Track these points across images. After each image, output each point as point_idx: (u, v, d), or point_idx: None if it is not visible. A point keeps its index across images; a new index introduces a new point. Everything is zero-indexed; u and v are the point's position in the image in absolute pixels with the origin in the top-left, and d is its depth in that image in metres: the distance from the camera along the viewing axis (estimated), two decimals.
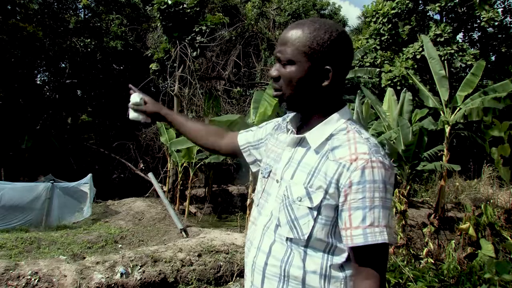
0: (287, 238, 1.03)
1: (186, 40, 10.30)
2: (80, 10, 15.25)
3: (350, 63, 1.09)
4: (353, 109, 8.94)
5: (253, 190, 7.66)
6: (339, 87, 1.08)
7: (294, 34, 1.04)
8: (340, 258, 1.02)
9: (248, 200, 7.72)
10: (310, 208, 1.00)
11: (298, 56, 1.02)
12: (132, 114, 1.48)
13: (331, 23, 1.07)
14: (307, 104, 1.08)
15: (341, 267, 1.02)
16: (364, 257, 0.98)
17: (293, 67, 1.03)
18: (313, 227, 1.00)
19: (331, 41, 1.02)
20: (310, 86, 1.05)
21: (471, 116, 7.83)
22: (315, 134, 1.05)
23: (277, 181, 1.10)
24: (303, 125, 1.13)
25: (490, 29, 15.19)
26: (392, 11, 14.37)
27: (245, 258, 1.16)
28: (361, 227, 0.95)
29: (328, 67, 1.03)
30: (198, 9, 10.30)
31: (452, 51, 13.35)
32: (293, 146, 1.10)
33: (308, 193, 1.00)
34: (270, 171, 1.15)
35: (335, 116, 1.06)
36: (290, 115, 1.18)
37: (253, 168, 1.36)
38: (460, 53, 13.55)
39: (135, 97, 1.46)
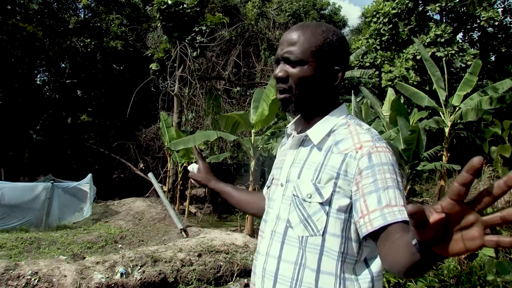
0: (300, 239, 1.01)
1: (186, 40, 10.29)
2: (80, 10, 15.26)
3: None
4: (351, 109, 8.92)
5: (253, 190, 7.65)
6: (341, 87, 1.11)
7: (302, 35, 1.05)
8: (354, 258, 0.99)
9: None
10: (321, 204, 0.99)
11: (309, 56, 1.04)
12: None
13: (333, 27, 1.13)
14: (314, 104, 1.09)
15: (354, 269, 1.00)
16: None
17: (304, 67, 1.04)
18: (327, 221, 0.98)
19: (338, 43, 1.07)
20: (320, 86, 1.07)
21: (466, 117, 7.82)
22: (316, 131, 1.07)
23: (282, 185, 1.10)
24: (304, 127, 1.14)
25: (490, 29, 15.18)
26: (393, 11, 14.36)
27: (253, 268, 1.14)
28: (378, 209, 0.91)
29: (337, 67, 1.07)
30: (198, 9, 10.30)
31: (453, 51, 13.34)
32: (296, 148, 1.11)
33: (318, 188, 1.00)
34: (273, 178, 1.17)
35: (334, 113, 1.10)
36: (289, 124, 1.20)
37: None
38: (460, 53, 13.54)
39: (193, 166, 1.53)
